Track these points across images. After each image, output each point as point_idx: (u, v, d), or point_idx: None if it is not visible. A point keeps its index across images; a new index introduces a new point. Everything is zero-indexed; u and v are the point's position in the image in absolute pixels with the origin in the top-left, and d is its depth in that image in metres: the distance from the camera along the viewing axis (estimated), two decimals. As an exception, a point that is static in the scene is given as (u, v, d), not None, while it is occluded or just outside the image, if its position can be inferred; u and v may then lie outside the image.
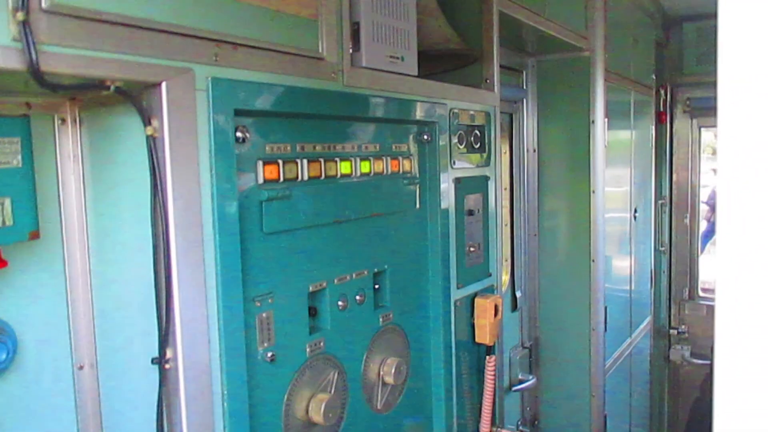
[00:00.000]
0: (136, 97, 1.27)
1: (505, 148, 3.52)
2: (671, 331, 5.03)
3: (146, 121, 1.27)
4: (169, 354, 1.31)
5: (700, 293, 5.05)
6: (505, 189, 3.50)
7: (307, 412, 1.68)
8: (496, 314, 2.40)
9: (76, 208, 1.45)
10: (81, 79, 1.18)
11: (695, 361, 4.86)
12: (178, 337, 1.30)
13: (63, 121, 1.43)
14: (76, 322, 1.46)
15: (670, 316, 5.07)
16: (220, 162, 1.37)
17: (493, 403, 2.46)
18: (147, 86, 1.27)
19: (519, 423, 3.65)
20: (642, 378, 4.61)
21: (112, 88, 1.22)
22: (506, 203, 3.52)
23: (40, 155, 1.37)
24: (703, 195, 5.09)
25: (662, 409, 5.05)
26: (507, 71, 3.39)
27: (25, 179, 1.28)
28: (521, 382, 3.56)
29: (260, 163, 1.53)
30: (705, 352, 4.80)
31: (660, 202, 4.85)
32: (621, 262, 4.16)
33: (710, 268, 5.30)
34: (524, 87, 3.60)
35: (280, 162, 1.57)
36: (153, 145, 1.27)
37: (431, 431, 2.23)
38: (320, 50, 1.66)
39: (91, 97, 1.40)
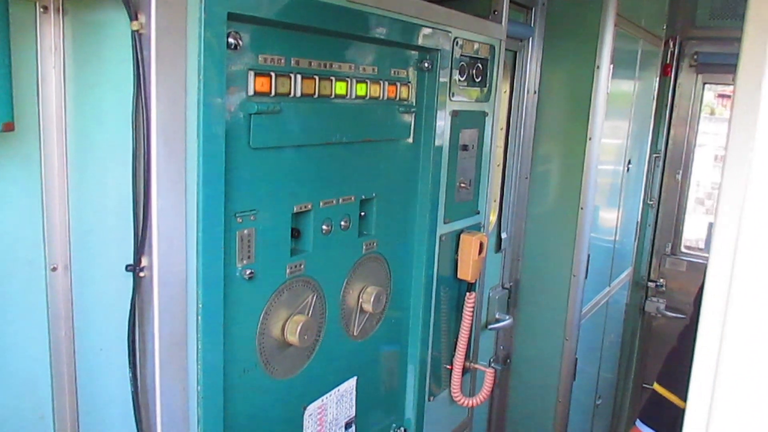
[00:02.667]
0: (122, -11, 1.19)
1: (506, 87, 3.43)
2: (649, 283, 5.08)
3: (132, 15, 1.19)
4: (144, 262, 1.28)
5: (683, 249, 5.09)
6: (501, 129, 3.44)
7: (283, 332, 1.67)
8: (480, 252, 2.39)
9: (55, 104, 1.38)
10: (63, -38, 1.10)
11: (669, 314, 4.94)
12: (155, 245, 1.26)
13: (45, 9, 1.34)
14: (51, 222, 1.41)
15: (650, 269, 5.11)
16: (209, 67, 1.30)
17: (469, 339, 2.48)
18: (135, -23, 1.19)
19: (491, 360, 3.72)
20: (615, 326, 4.69)
21: (97, -25, 1.14)
22: (501, 144, 3.46)
23: (18, 44, 1.29)
24: (698, 153, 5.05)
25: (631, 358, 5.16)
26: (516, 7, 3.27)
27: (0, 67, 1.21)
28: (498, 321, 3.60)
29: (251, 73, 1.45)
30: (680, 306, 4.88)
31: (654, 156, 4.81)
32: (609, 213, 4.15)
33: (694, 227, 5.32)
34: (532, 25, 3.48)
35: (273, 75, 1.50)
36: (138, 42, 1.20)
37: (405, 361, 2.24)
38: (324, -41, 1.56)
39: (75, -15, 1.31)
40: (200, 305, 1.38)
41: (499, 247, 3.57)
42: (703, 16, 4.70)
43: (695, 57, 4.75)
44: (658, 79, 4.58)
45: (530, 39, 3.47)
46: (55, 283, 1.44)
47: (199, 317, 1.39)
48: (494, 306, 3.59)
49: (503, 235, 3.59)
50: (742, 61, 0.75)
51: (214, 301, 1.41)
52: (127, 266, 1.29)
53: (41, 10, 1.34)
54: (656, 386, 2.43)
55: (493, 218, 3.49)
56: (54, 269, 1.43)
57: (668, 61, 4.68)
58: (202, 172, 1.33)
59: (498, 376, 3.80)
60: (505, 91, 3.41)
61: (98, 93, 1.35)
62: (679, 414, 2.34)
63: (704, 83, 4.87)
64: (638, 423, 2.44)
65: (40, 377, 1.46)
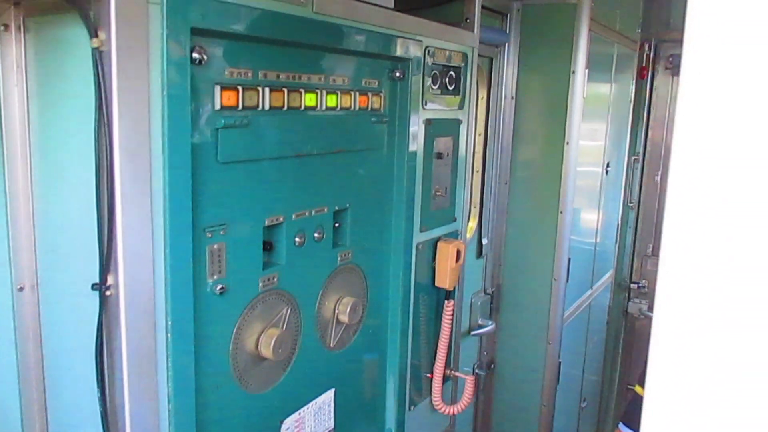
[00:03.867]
0: (82, 5, 1.18)
1: (483, 93, 3.45)
2: (631, 285, 5.11)
3: (92, 33, 1.19)
4: (110, 280, 1.27)
5: (664, 251, 5.12)
6: (480, 135, 3.45)
7: (256, 346, 1.66)
8: (457, 259, 2.39)
9: (18, 121, 1.37)
10: (20, -20, 1.09)
11: (651, 314, 4.97)
12: (120, 263, 1.25)
13: (6, 27, 1.34)
14: (17, 241, 1.40)
15: (632, 271, 5.14)
16: (173, 82, 1.29)
17: (449, 346, 2.48)
18: (94, -6, 1.18)
19: (475, 366, 3.72)
20: (599, 329, 4.71)
21: (55, -7, 1.13)
22: (480, 149, 3.48)
23: (-21, 62, 1.28)
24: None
25: (615, 360, 5.18)
26: (490, 13, 3.29)
27: (-40, 86, 1.20)
28: (480, 326, 3.60)
29: (218, 87, 1.45)
30: (662, 307, 4.91)
31: (633, 158, 4.84)
32: (589, 215, 4.18)
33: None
34: (507, 31, 3.50)
35: (240, 88, 1.49)
36: (99, 59, 1.19)
37: (384, 371, 2.24)
38: (290, -29, 1.56)
39: (35, 2, 1.30)
40: (170, 322, 1.37)
41: (480, 252, 3.58)
42: (678, 19, 4.75)
43: (671, 59, 4.79)
44: (634, 81, 4.62)
45: (506, 45, 3.49)
46: (23, 303, 1.42)
47: (169, 334, 1.37)
48: (477, 311, 3.60)
49: (484, 241, 3.60)
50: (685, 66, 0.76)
51: (183, 317, 1.40)
52: (93, 285, 1.28)
53: (2, 28, 1.33)
54: (638, 388, 2.44)
55: (474, 224, 3.49)
56: (21, 289, 1.42)
57: (644, 64, 4.72)
58: (169, 187, 1.32)
59: (482, 382, 3.80)
60: (482, 97, 3.42)
61: (61, 110, 1.34)
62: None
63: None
64: (621, 426, 2.45)
65: (9, 398, 1.44)
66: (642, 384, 2.42)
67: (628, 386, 5.10)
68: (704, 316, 0.73)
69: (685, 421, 0.75)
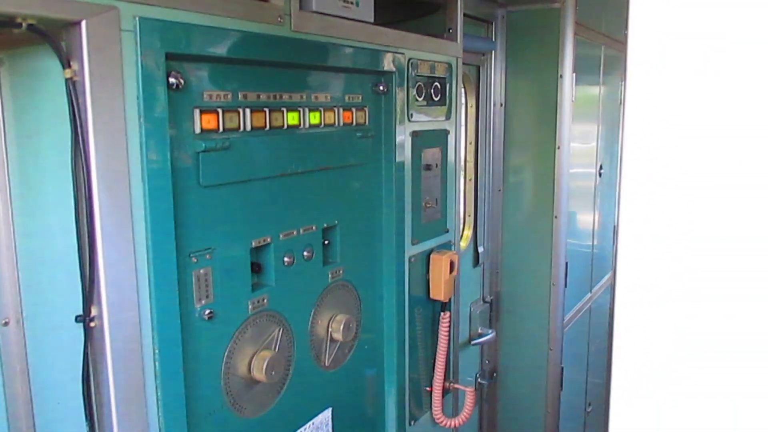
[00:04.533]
0: (53, 37, 1.17)
1: (472, 101, 3.44)
2: (632, 286, 5.09)
3: (65, 63, 1.18)
4: (93, 312, 1.25)
5: (662, 250, 5.10)
6: (471, 143, 3.44)
7: (249, 370, 1.64)
8: (451, 270, 2.37)
9: (-4, 156, 1.36)
10: (-12, 14, 1.08)
11: (654, 316, 4.94)
12: (103, 294, 1.24)
13: (-21, 60, 1.32)
14: (0, 276, 1.38)
15: (631, 272, 5.12)
16: (149, 109, 1.28)
17: (447, 359, 2.45)
18: (65, 24, 1.17)
19: (478, 375, 3.69)
20: (601, 332, 4.69)
21: (24, 26, 1.12)
22: (471, 158, 3.47)
23: (-47, 97, 1.27)
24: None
25: (619, 363, 5.15)
26: (475, 22, 3.29)
27: (-67, 123, 1.19)
28: (481, 335, 3.58)
29: (197, 111, 1.44)
30: (664, 307, 4.88)
31: (626, 159, 4.84)
32: (585, 218, 4.16)
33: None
34: (493, 38, 3.50)
35: (220, 111, 1.48)
36: (73, 90, 1.18)
37: (382, 387, 2.22)
38: (265, -8, 1.56)
39: (8, 35, 1.29)
40: (157, 351, 1.35)
41: (477, 261, 3.56)
42: (664, 18, 4.75)
43: (659, 59, 4.79)
44: (623, 82, 4.62)
45: (492, 52, 3.49)
46: (8, 338, 1.41)
47: (157, 363, 1.36)
48: (476, 321, 3.58)
49: (480, 249, 3.58)
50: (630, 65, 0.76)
51: (171, 344, 1.38)
52: (77, 317, 1.26)
53: (-24, 61, 1.31)
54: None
55: (469, 233, 3.48)
56: (6, 323, 1.40)
57: (633, 65, 4.71)
58: (150, 214, 1.30)
59: (485, 391, 3.77)
60: (471, 106, 3.42)
61: (39, 142, 1.33)
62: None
63: (670, 84, 4.91)
64: None
65: (-1, 434, 1.42)
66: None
67: (634, 388, 5.07)
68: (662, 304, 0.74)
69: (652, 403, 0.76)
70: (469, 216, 3.49)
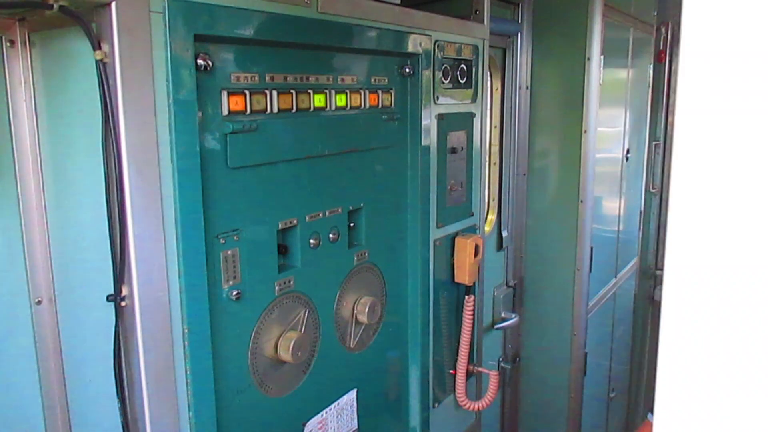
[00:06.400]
0: (84, 18, 1.18)
1: (497, 84, 3.41)
2: (657, 272, 5.03)
3: (95, 45, 1.18)
4: (124, 291, 1.27)
5: (689, 236, 5.03)
6: (495, 127, 3.42)
7: (275, 350, 1.66)
8: (476, 254, 2.37)
9: (29, 137, 1.38)
10: (21, -4, 1.09)
11: (679, 302, 4.88)
12: (134, 274, 1.25)
13: (12, 43, 1.34)
14: (32, 256, 1.41)
15: (657, 258, 5.06)
16: (178, 91, 1.29)
17: (471, 342, 2.45)
18: (96, 6, 1.18)
19: (500, 359, 3.69)
20: (625, 318, 4.65)
21: (56, 7, 1.13)
22: (496, 142, 3.44)
23: (-13, 79, 1.29)
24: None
25: (643, 349, 5.11)
26: (501, 3, 3.25)
27: (-32, 105, 1.21)
28: (504, 320, 3.57)
29: (225, 93, 1.44)
30: (690, 294, 4.82)
31: (654, 143, 4.76)
32: (610, 203, 4.12)
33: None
34: (519, 21, 3.46)
35: (247, 93, 1.49)
36: (103, 71, 1.19)
37: (406, 370, 2.23)
38: (292, -27, 1.55)
39: (40, 17, 1.31)
40: (186, 330, 1.37)
41: (500, 245, 3.55)
42: (695, 0, 4.64)
43: (689, 41, 4.70)
44: (652, 66, 4.54)
45: (518, 35, 3.45)
46: (41, 317, 1.44)
47: (186, 342, 1.37)
48: (500, 305, 3.57)
49: (504, 233, 3.57)
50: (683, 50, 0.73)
51: (200, 324, 1.40)
52: (108, 296, 1.28)
53: (8, 44, 1.33)
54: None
55: (493, 217, 3.46)
56: (39, 302, 1.43)
57: (662, 47, 4.63)
58: (179, 195, 1.32)
59: (508, 375, 3.77)
60: (496, 89, 3.39)
61: (69, 124, 1.34)
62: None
63: (700, 67, 4.81)
64: (650, 416, 2.41)
65: (32, 411, 1.46)
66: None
67: (658, 374, 5.03)
68: (711, 311, 0.71)
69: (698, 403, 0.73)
70: (493, 200, 3.47)
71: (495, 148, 3.43)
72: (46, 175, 1.39)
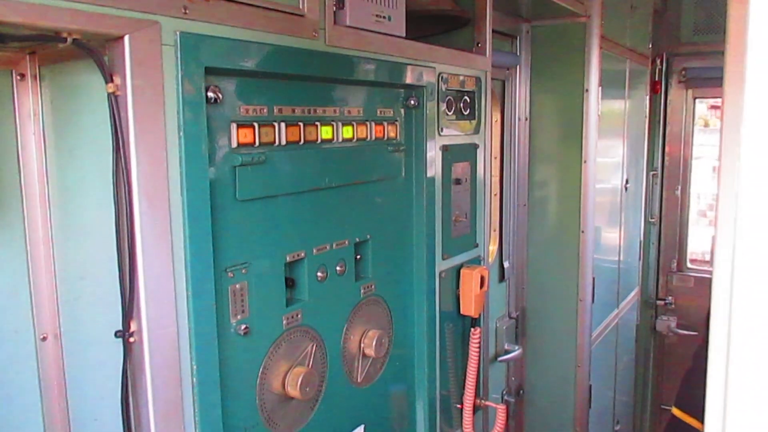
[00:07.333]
0: (96, 52, 1.18)
1: (497, 116, 3.43)
2: (658, 302, 5.01)
3: (107, 78, 1.18)
4: (133, 327, 1.24)
5: (689, 265, 5.03)
6: (495, 158, 3.43)
7: (283, 385, 1.62)
8: (482, 286, 2.35)
9: (36, 171, 1.37)
10: (35, 29, 1.09)
11: (681, 332, 4.86)
12: (143, 309, 1.23)
13: (22, 76, 1.34)
14: (38, 291, 1.39)
15: (657, 288, 5.05)
16: (189, 124, 1.28)
17: (478, 375, 2.42)
18: (108, 39, 1.18)
19: (504, 392, 3.64)
20: (628, 348, 4.62)
21: (69, 40, 1.13)
22: (496, 172, 3.45)
23: (-4, 112, 1.29)
24: (696, 165, 5.03)
25: (647, 379, 5.07)
26: (500, 36, 3.28)
27: (-22, 138, 1.20)
28: (507, 352, 3.54)
29: (234, 125, 1.44)
30: (691, 322, 4.80)
31: (651, 173, 4.79)
32: (610, 233, 4.12)
33: (698, 239, 5.28)
34: (518, 53, 3.50)
35: (256, 125, 1.48)
36: (115, 104, 1.18)
37: (413, 404, 2.19)
38: (301, 6, 1.56)
39: (50, 51, 1.31)
40: (194, 366, 1.34)
41: (502, 276, 3.53)
42: (687, 32, 4.73)
43: (683, 72, 4.77)
44: (648, 96, 4.59)
45: (517, 67, 3.49)
46: (46, 353, 1.41)
47: (194, 379, 1.34)
48: (503, 337, 3.54)
49: (506, 264, 3.55)
50: (727, 73, 0.73)
51: (208, 360, 1.37)
52: (116, 332, 1.25)
53: (18, 77, 1.33)
54: (674, 410, 2.36)
55: (494, 248, 3.45)
56: (44, 338, 1.40)
57: (657, 78, 4.69)
58: (188, 229, 1.30)
59: (512, 408, 3.72)
60: (496, 120, 3.41)
61: (79, 157, 1.33)
62: (699, 438, 2.26)
63: (695, 97, 4.88)
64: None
65: (35, 451, 1.42)
66: (679, 406, 2.35)
67: (662, 406, 4.97)
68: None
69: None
70: (494, 231, 3.47)
71: (495, 179, 3.44)
72: (53, 208, 1.37)
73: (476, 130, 2.39)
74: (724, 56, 0.73)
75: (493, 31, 2.54)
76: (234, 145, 1.44)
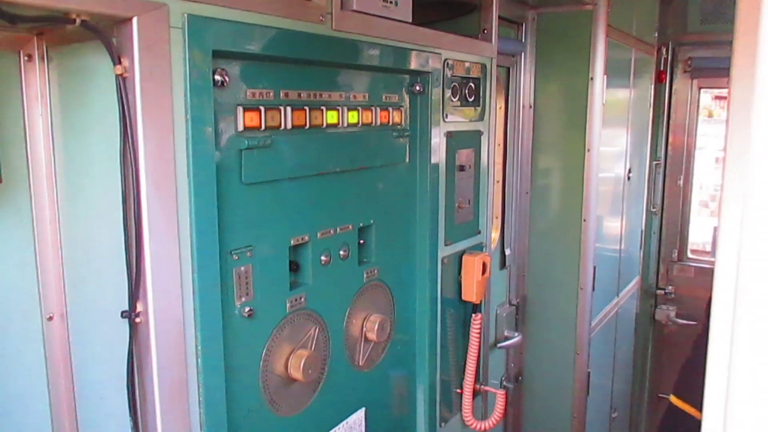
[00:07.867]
0: (104, 33, 1.18)
1: (501, 103, 3.42)
2: (658, 291, 5.02)
3: (115, 60, 1.18)
4: (139, 308, 1.26)
5: (690, 255, 5.04)
6: (499, 145, 3.42)
7: (286, 368, 1.64)
8: (483, 272, 2.36)
9: (43, 152, 1.37)
10: (43, 10, 1.09)
11: (680, 321, 4.87)
12: (149, 290, 1.24)
13: (29, 58, 1.34)
14: (45, 272, 1.40)
15: (657, 277, 5.06)
16: (195, 106, 1.28)
17: (478, 360, 2.44)
18: (117, 21, 1.18)
19: (503, 379, 3.67)
20: (627, 337, 4.63)
21: (78, 21, 1.13)
22: (499, 160, 3.45)
23: (3, 93, 1.29)
24: (699, 156, 5.02)
25: (645, 368, 5.09)
26: (506, 23, 3.27)
27: (-15, 118, 1.20)
28: (507, 338, 3.55)
29: (240, 109, 1.44)
30: (690, 312, 4.82)
31: (655, 163, 4.78)
32: (612, 222, 4.12)
33: (700, 230, 5.29)
34: (523, 40, 3.48)
35: (262, 109, 1.49)
36: (123, 86, 1.19)
37: (414, 388, 2.21)
38: (308, -10, 1.56)
39: (58, 32, 1.31)
40: (199, 347, 1.36)
41: (503, 263, 3.54)
42: (694, 22, 4.70)
43: (689, 62, 4.74)
44: (653, 86, 4.57)
45: (522, 54, 3.48)
46: (52, 333, 1.42)
47: (199, 359, 1.36)
48: (503, 324, 3.55)
49: (507, 252, 3.56)
50: (735, 63, 0.73)
51: (213, 342, 1.39)
52: (122, 312, 1.27)
53: (25, 58, 1.33)
54: (673, 398, 2.38)
55: (496, 235, 3.46)
56: (50, 319, 1.41)
57: (662, 68, 4.67)
58: (194, 211, 1.31)
59: (511, 395, 3.74)
60: (500, 107, 3.40)
61: (86, 139, 1.34)
62: (697, 426, 2.28)
63: (699, 87, 4.86)
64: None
65: (41, 429, 1.43)
66: (677, 394, 2.36)
67: (660, 395, 5.00)
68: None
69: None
70: (497, 218, 3.47)
71: (498, 166, 3.44)
72: (61, 189, 1.38)
73: (481, 117, 2.39)
74: (732, 46, 0.73)
75: (499, 17, 2.53)
76: (240, 128, 1.45)
